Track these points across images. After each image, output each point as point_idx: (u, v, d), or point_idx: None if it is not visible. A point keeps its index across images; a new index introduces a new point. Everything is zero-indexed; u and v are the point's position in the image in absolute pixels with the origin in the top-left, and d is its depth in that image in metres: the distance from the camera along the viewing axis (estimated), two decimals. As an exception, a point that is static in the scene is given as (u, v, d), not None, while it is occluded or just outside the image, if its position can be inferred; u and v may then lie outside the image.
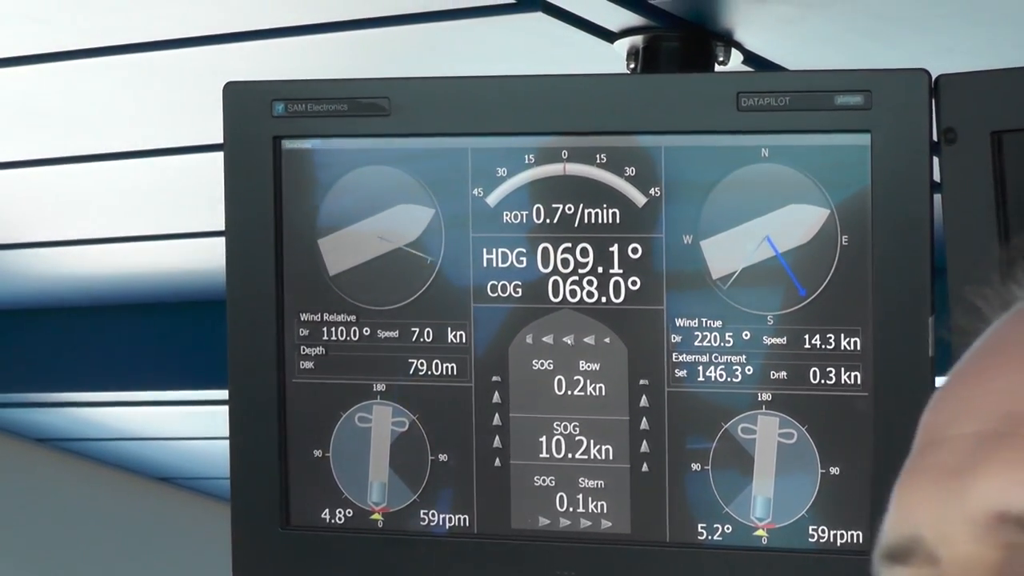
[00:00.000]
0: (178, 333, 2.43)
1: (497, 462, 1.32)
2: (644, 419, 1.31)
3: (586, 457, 1.33)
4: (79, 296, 2.57)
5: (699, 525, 1.31)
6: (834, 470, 1.28)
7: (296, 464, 1.37)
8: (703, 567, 1.34)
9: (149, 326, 2.60)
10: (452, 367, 1.34)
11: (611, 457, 1.31)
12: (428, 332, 1.34)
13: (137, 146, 1.93)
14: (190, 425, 2.75)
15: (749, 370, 1.30)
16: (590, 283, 1.31)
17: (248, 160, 1.40)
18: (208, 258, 1.62)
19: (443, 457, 1.36)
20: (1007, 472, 0.42)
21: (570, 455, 1.32)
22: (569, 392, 1.31)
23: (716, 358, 1.30)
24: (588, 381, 1.31)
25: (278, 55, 1.54)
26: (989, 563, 0.43)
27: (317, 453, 1.38)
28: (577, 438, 1.32)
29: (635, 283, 1.31)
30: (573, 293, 1.32)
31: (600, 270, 1.31)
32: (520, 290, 1.33)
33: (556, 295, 1.32)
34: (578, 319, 1.33)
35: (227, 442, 1.42)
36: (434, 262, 1.34)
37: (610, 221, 1.30)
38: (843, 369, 1.27)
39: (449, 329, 1.33)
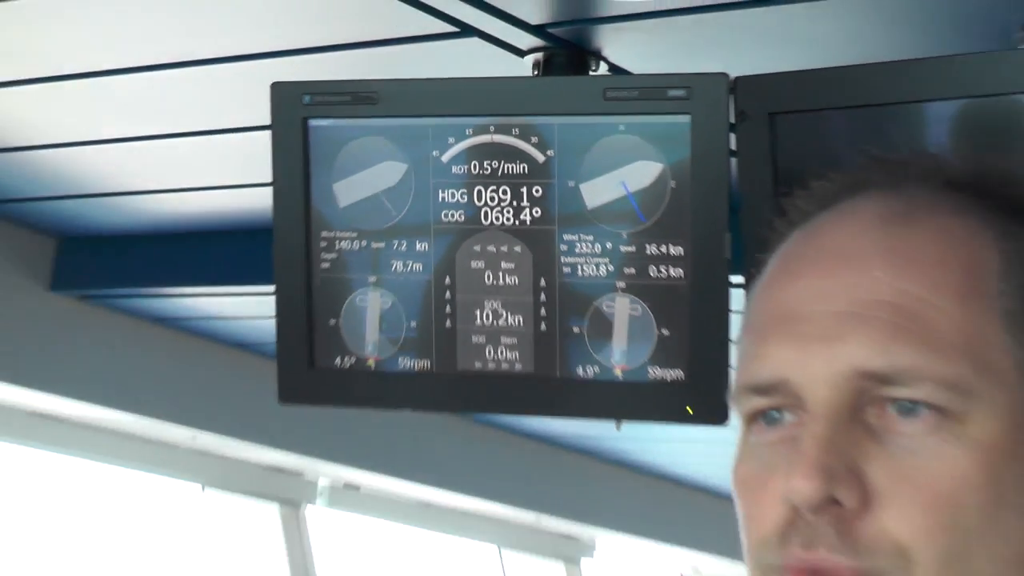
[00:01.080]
0: (244, 249, 2.98)
1: (448, 325, 1.76)
2: (543, 299, 1.74)
3: (505, 324, 1.75)
4: (180, 226, 3.15)
5: (577, 367, 1.74)
6: (665, 332, 1.69)
7: (318, 329, 1.81)
8: (579, 393, 1.80)
9: (227, 244, 3.12)
10: (420, 266, 1.77)
11: (521, 324, 1.74)
12: (404, 244, 1.78)
13: (217, 126, 2.43)
14: (252, 309, 3.47)
15: (610, 268, 1.72)
16: (508, 212, 1.72)
17: (286, 133, 1.81)
18: (263, 200, 2.04)
19: (413, 324, 1.80)
20: (865, 341, 0.61)
21: (495, 323, 1.75)
22: (494, 282, 1.75)
23: (589, 260, 1.71)
24: (506, 275, 1.74)
25: (300, 66, 2.01)
26: (845, 403, 0.62)
27: (332, 322, 1.82)
28: (499, 311, 1.75)
29: (537, 212, 1.73)
30: (497, 218, 1.73)
31: (515, 204, 1.72)
32: (463, 217, 1.75)
33: (486, 220, 1.74)
34: (501, 235, 1.75)
35: (275, 319, 1.88)
36: (407, 200, 1.77)
37: (521, 172, 1.72)
38: (671, 267, 1.68)
39: (417, 242, 1.76)
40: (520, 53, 1.88)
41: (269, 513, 4.39)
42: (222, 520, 4.41)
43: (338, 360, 1.83)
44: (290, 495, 4.38)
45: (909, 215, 0.71)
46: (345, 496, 4.59)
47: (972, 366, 0.68)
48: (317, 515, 4.42)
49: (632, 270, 1.71)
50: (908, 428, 0.66)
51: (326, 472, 4.41)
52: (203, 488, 4.33)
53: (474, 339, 1.77)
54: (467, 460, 4.44)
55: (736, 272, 1.65)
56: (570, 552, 5.52)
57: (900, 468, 0.67)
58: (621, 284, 1.71)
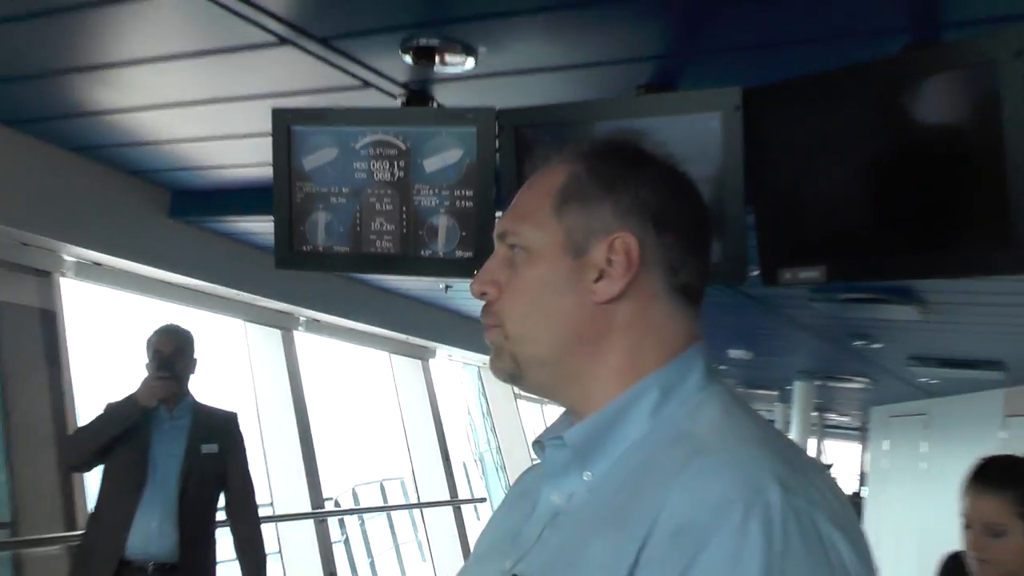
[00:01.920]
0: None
1: (358, 229, 2.80)
2: (404, 218, 2.77)
3: (387, 230, 2.79)
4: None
5: (422, 251, 2.77)
6: (463, 233, 2.74)
7: (295, 230, 2.85)
8: (423, 264, 2.78)
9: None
10: (344, 200, 2.82)
11: (394, 229, 2.79)
12: (337, 189, 2.83)
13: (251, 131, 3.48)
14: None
15: (437, 201, 2.73)
16: (387, 174, 2.76)
17: (280, 130, 2.85)
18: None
19: (341, 229, 2.81)
20: (501, 221, 1.28)
21: (382, 227, 2.80)
22: (381, 208, 2.81)
23: (427, 198, 2.74)
24: (387, 205, 2.79)
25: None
26: (498, 248, 1.26)
27: (301, 228, 2.85)
28: (384, 224, 2.79)
29: (402, 173, 2.75)
30: (383, 176, 2.77)
31: (391, 169, 2.76)
32: (365, 175, 2.78)
33: (377, 177, 2.77)
34: (384, 185, 2.77)
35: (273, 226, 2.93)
36: (338, 166, 2.81)
37: (394, 154, 2.76)
38: (468, 202, 2.72)
39: (343, 188, 2.82)
40: (395, 96, 3.00)
41: (275, 335, 6.74)
42: (253, 339, 6.84)
43: (304, 247, 2.94)
44: (286, 324, 6.77)
45: (546, 169, 1.26)
46: (314, 326, 7.07)
47: (532, 226, 1.23)
48: (301, 337, 6.76)
49: (448, 203, 2.78)
50: (515, 257, 1.24)
51: (304, 313, 6.78)
52: (244, 322, 6.46)
53: (371, 237, 2.87)
54: (369, 304, 7.00)
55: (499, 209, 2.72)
56: (423, 354, 9.10)
57: (510, 277, 1.23)
58: (442, 209, 2.80)
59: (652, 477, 1.06)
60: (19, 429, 4.65)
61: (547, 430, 1.26)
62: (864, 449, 19.83)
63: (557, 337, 1.21)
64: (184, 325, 4.49)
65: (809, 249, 2.49)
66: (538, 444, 1.26)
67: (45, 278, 4.84)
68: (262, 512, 6.59)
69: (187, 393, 4.39)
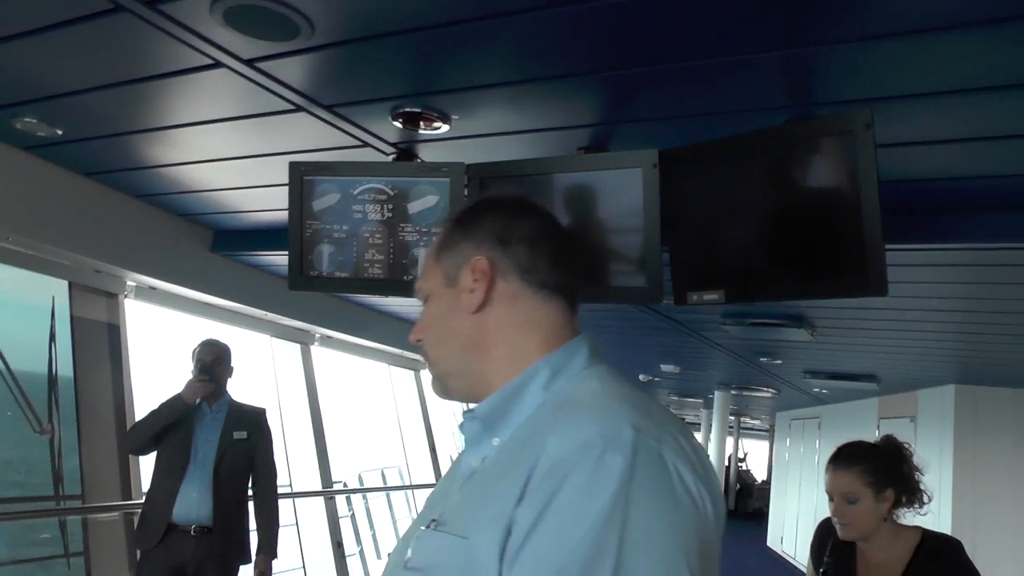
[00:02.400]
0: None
1: (354, 257, 2.79)
2: (392, 250, 2.76)
3: (377, 259, 2.78)
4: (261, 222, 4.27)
5: (405, 276, 2.80)
6: None
7: (304, 259, 2.85)
8: (407, 287, 2.78)
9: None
10: (343, 235, 2.81)
11: (383, 259, 2.76)
12: (337, 226, 2.82)
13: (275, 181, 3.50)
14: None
15: (416, 237, 2.75)
16: (379, 214, 2.76)
17: (295, 179, 2.87)
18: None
19: (341, 259, 2.81)
20: (416, 284, 1.43)
21: (374, 257, 2.79)
22: (374, 242, 2.80)
23: (410, 234, 2.76)
24: (377, 239, 2.79)
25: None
26: (423, 308, 1.38)
27: (310, 257, 2.85)
28: (375, 254, 2.77)
29: (390, 214, 2.76)
30: (375, 216, 2.76)
31: (382, 211, 2.77)
32: (361, 215, 2.80)
33: (371, 216, 2.78)
34: (375, 223, 2.77)
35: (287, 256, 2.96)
36: (339, 208, 2.84)
37: (384, 198, 2.78)
38: None
39: (344, 225, 2.82)
40: (386, 153, 2.99)
41: (295, 348, 6.62)
42: (277, 351, 6.77)
43: (312, 272, 2.94)
44: (304, 340, 6.60)
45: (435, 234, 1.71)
46: (327, 341, 6.91)
47: (426, 278, 1.35)
48: (316, 351, 6.56)
49: (427, 238, 2.78)
50: (425, 305, 1.35)
51: (319, 330, 6.62)
52: (270, 337, 6.35)
53: (365, 265, 2.87)
54: (372, 324, 6.88)
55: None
56: (415, 366, 8.92)
57: (424, 321, 1.34)
58: (422, 243, 2.80)
59: (538, 432, 1.10)
60: (88, 421, 4.73)
61: (464, 411, 1.32)
62: (771, 446, 19.90)
63: (455, 350, 1.30)
64: (222, 339, 4.64)
65: (711, 277, 2.54)
66: (461, 424, 1.30)
67: (112, 299, 4.87)
68: (282, 490, 6.63)
69: (225, 393, 4.53)
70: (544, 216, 1.36)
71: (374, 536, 9.87)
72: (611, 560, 0.96)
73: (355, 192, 2.89)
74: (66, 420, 4.63)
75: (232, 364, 4.59)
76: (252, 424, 4.54)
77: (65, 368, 4.66)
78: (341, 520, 6.90)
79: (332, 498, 6.78)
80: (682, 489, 1.01)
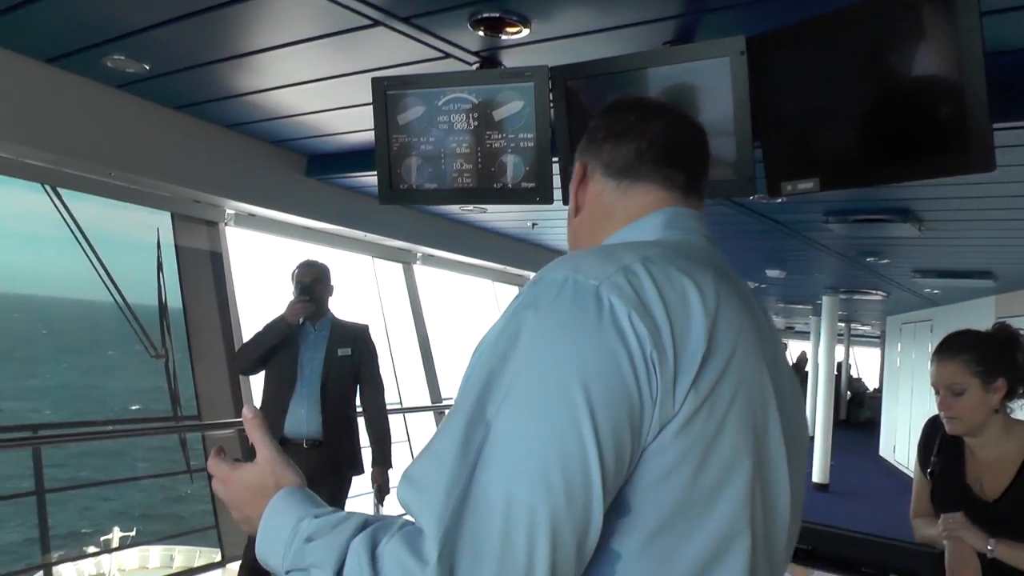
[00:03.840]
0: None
1: (443, 168, 2.83)
2: (479, 159, 2.80)
3: (466, 168, 2.82)
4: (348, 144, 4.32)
5: (495, 183, 2.91)
6: (527, 168, 2.92)
7: (393, 174, 2.90)
8: (498, 195, 2.92)
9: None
10: (431, 147, 2.83)
11: (472, 168, 2.85)
12: (424, 138, 2.84)
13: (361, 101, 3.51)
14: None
15: (504, 143, 2.73)
16: (464, 123, 2.77)
17: (378, 95, 2.90)
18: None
19: (430, 170, 2.84)
20: None
21: (462, 167, 2.83)
22: (461, 151, 2.81)
23: (497, 141, 2.76)
24: (465, 148, 2.80)
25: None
26: None
27: (398, 171, 2.93)
28: (464, 164, 2.80)
29: (475, 122, 2.76)
30: (460, 125, 2.77)
31: (467, 119, 2.77)
32: (447, 125, 2.80)
33: (457, 126, 2.77)
34: (462, 133, 2.77)
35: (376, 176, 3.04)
36: (424, 119, 2.86)
37: (469, 107, 2.77)
38: (530, 142, 2.78)
39: (431, 137, 2.82)
40: (469, 63, 2.97)
41: (397, 268, 6.82)
42: (380, 271, 6.90)
43: (401, 185, 2.98)
44: (406, 259, 6.75)
45: None
46: (429, 260, 6.99)
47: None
48: (419, 270, 6.67)
49: (513, 144, 2.80)
50: None
51: (420, 249, 6.72)
52: (372, 258, 6.51)
53: (453, 175, 2.90)
54: (473, 241, 6.88)
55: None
56: (518, 281, 8.80)
57: None
58: (509, 149, 2.81)
59: None
60: (199, 345, 4.96)
61: None
62: (882, 352, 19.42)
63: (570, 243, 1.36)
64: (321, 259, 4.68)
65: (805, 165, 2.45)
66: None
67: (213, 227, 5.03)
68: (392, 406, 6.84)
69: (327, 312, 4.60)
70: (627, 108, 1.32)
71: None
72: (489, 373, 0.95)
73: (439, 103, 2.90)
74: (179, 346, 4.85)
75: (332, 283, 4.64)
76: (356, 340, 4.59)
77: (174, 297, 4.87)
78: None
79: (442, 413, 6.97)
80: (611, 323, 0.95)
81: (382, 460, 4.58)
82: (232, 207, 4.94)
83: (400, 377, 6.96)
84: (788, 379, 1.18)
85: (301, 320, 4.48)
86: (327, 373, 4.44)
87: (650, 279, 1.00)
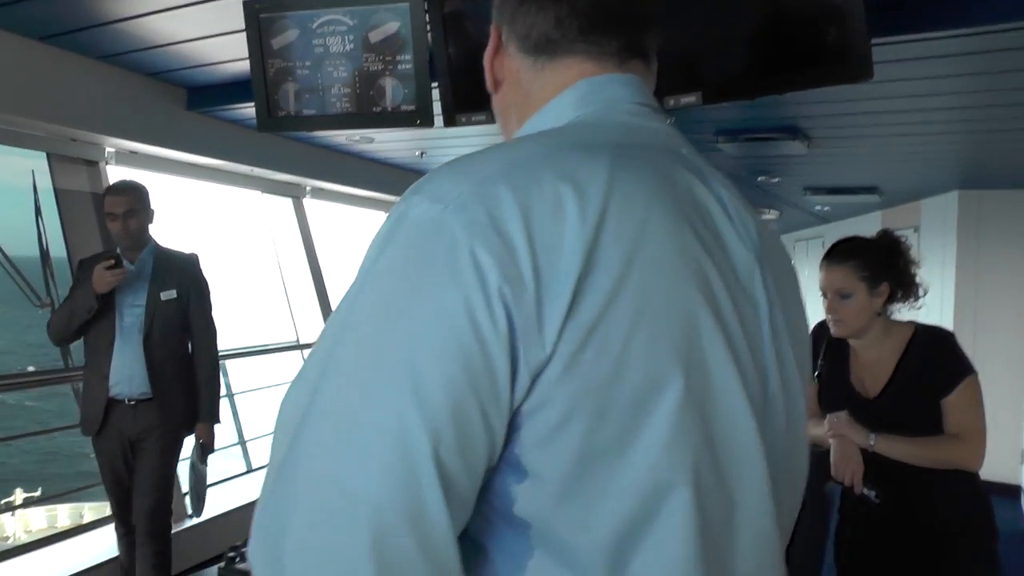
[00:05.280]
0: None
1: (321, 95, 2.84)
2: (357, 82, 2.90)
3: (345, 93, 2.89)
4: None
5: (374, 107, 3.02)
6: (406, 91, 3.00)
7: (271, 101, 2.88)
8: (377, 119, 3.07)
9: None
10: (307, 72, 2.88)
11: (350, 92, 2.87)
12: (301, 64, 2.90)
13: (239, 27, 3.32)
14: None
15: (381, 66, 2.78)
16: (341, 45, 2.81)
17: (251, 19, 2.80)
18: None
19: (307, 96, 2.86)
20: None
21: (341, 91, 2.87)
22: (337, 75, 2.76)
23: (374, 64, 2.73)
24: (342, 73, 2.79)
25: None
26: None
27: (275, 97, 2.93)
28: (342, 88, 2.85)
29: (351, 45, 2.75)
30: (336, 48, 2.83)
31: (343, 40, 2.81)
32: (323, 49, 2.84)
33: (332, 49, 2.86)
34: (339, 56, 2.80)
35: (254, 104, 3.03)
36: (300, 47, 2.93)
37: (345, 29, 2.94)
38: (404, 64, 2.93)
39: (307, 62, 2.87)
40: None
41: (287, 202, 6.66)
42: (270, 206, 6.77)
43: (280, 112, 2.92)
44: (296, 193, 6.60)
45: None
46: (319, 193, 6.84)
47: None
48: (309, 203, 6.63)
49: (391, 67, 2.76)
50: None
51: (309, 182, 6.55)
52: (261, 193, 6.31)
53: (332, 99, 2.84)
54: (361, 172, 6.77)
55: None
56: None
57: None
58: (387, 72, 2.77)
59: None
60: None
61: None
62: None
63: (500, 128, 1.11)
64: (136, 180, 4.21)
65: (688, 80, 2.46)
66: None
67: (93, 167, 4.83)
68: (290, 343, 6.79)
69: (149, 241, 4.14)
70: None
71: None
72: (334, 323, 0.81)
73: (314, 26, 2.85)
74: (65, 293, 4.67)
75: (152, 207, 4.13)
76: (183, 277, 4.13)
77: (57, 245, 4.70)
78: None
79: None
80: (445, 270, 0.76)
81: (207, 414, 4.15)
82: (112, 144, 4.75)
83: (296, 313, 6.90)
84: (764, 285, 0.94)
85: (110, 289, 3.90)
86: (150, 322, 3.99)
87: (509, 190, 0.78)
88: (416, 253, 0.78)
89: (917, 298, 2.71)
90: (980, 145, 5.66)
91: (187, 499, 3.75)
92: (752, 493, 0.87)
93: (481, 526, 0.79)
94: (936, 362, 2.61)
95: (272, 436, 0.80)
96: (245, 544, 2.24)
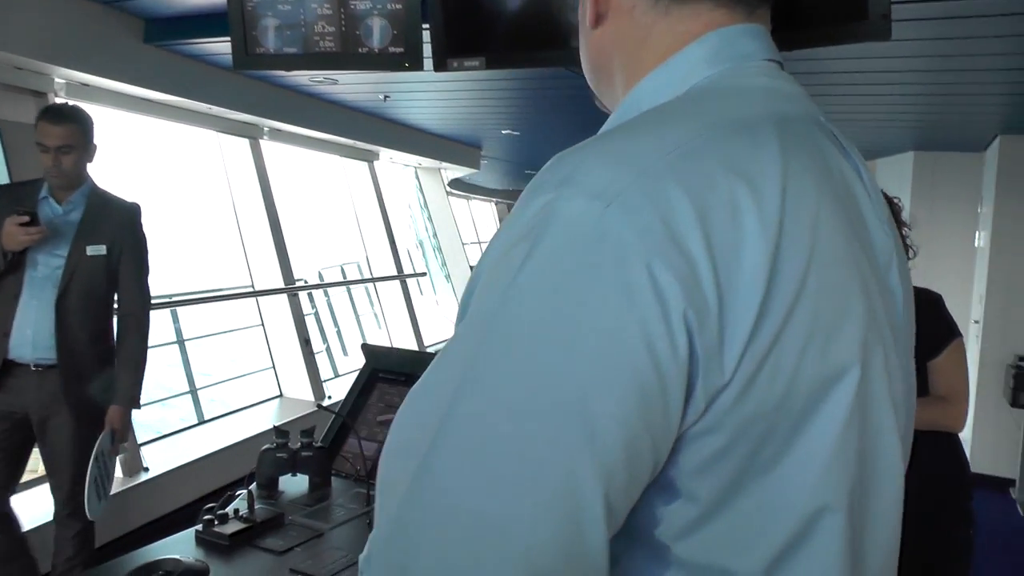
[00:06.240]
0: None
1: (303, 32, 2.63)
2: (342, 19, 2.75)
3: (328, 31, 2.75)
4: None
5: (359, 48, 2.78)
6: (395, 32, 2.88)
7: (248, 37, 2.67)
8: (360, 60, 2.76)
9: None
10: (289, 9, 2.65)
11: (335, 31, 2.80)
12: (282, 6, 2.92)
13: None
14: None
15: (369, 7, 2.70)
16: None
17: None
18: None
19: (288, 33, 2.66)
20: None
21: (325, 29, 2.71)
22: (320, 12, 2.64)
23: (359, 8, 2.78)
24: (327, 10, 2.69)
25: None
26: None
27: (253, 33, 2.64)
28: (326, 26, 2.66)
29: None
30: None
31: None
32: None
33: None
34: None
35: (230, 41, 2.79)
36: None
37: None
38: (395, 8, 2.84)
39: (287, 3, 2.89)
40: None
41: (243, 143, 6.42)
42: (226, 147, 6.50)
43: (258, 49, 2.73)
44: (253, 134, 6.39)
45: None
46: (277, 135, 6.67)
47: None
48: (267, 145, 6.40)
49: (380, 6, 2.61)
50: None
51: (267, 123, 6.35)
52: (217, 133, 6.06)
53: (315, 38, 2.68)
54: (321, 114, 6.67)
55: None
56: (368, 157, 8.63)
57: None
58: (375, 11, 2.62)
59: None
60: None
61: None
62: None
63: (588, 72, 0.95)
64: (79, 106, 3.48)
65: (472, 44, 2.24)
66: None
67: (41, 98, 4.59)
68: (245, 289, 6.61)
69: (85, 180, 3.44)
70: None
71: (339, 332, 10.01)
72: (473, 340, 0.67)
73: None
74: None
75: (94, 142, 3.44)
76: (118, 231, 3.44)
77: (1, 178, 4.46)
78: (306, 317, 6.92)
79: (295, 295, 6.77)
80: (616, 288, 0.64)
81: (124, 395, 3.43)
82: (62, 75, 4.51)
83: (251, 259, 6.69)
84: (897, 271, 0.86)
85: (22, 249, 3.26)
86: (69, 279, 3.32)
87: (682, 190, 0.66)
88: (576, 262, 0.64)
89: (908, 259, 2.68)
90: (935, 107, 5.69)
91: (86, 495, 3.16)
92: (882, 514, 0.80)
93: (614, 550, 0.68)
94: (925, 324, 2.60)
95: (383, 451, 0.69)
96: (224, 505, 2.13)
